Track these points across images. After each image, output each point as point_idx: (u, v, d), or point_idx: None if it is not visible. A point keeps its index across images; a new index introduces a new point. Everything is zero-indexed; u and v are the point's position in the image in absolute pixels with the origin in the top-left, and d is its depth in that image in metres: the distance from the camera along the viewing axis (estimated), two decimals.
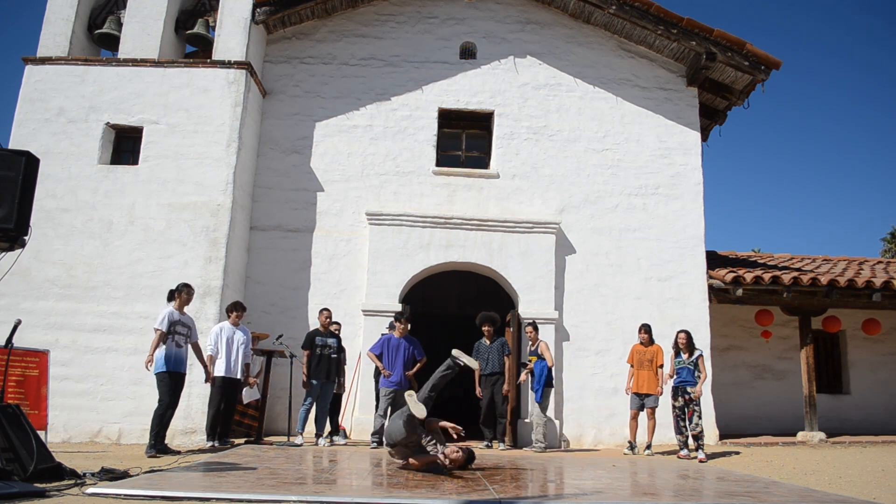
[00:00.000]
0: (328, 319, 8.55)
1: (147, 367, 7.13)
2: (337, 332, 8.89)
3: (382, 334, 8.87)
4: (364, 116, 10.50)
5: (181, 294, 7.37)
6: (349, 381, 9.24)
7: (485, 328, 8.94)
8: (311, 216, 10.15)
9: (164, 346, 7.10)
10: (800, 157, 51.52)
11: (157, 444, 6.93)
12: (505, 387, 8.81)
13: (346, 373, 9.06)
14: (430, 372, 8.98)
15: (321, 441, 8.35)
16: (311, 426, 8.54)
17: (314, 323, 9.35)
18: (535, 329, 8.97)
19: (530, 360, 8.77)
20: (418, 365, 8.42)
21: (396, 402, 8.31)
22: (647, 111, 10.66)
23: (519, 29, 10.88)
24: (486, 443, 8.83)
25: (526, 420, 9.20)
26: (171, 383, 7.10)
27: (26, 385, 7.12)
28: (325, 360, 8.33)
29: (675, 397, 8.38)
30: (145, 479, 4.82)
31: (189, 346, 7.47)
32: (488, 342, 8.94)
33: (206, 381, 7.79)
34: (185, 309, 7.48)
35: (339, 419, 8.94)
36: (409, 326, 8.67)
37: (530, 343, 8.89)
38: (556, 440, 9.35)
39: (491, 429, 8.89)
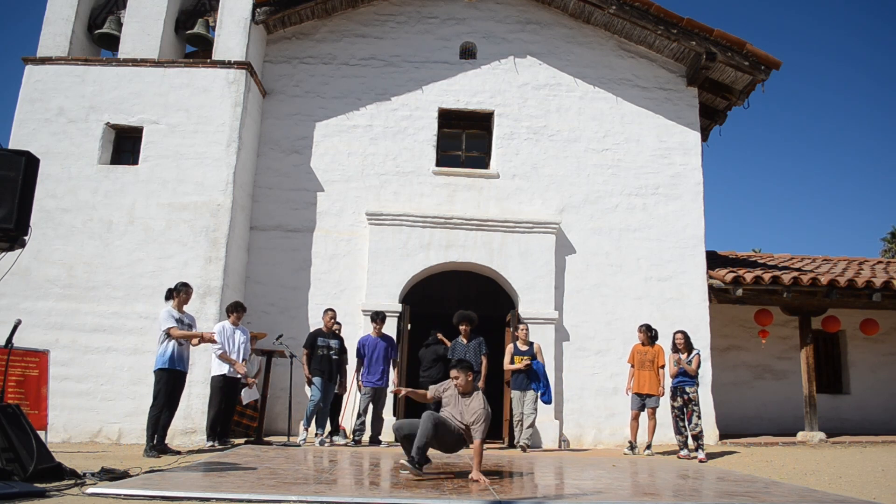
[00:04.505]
0: (332, 320, 8.57)
1: (198, 342, 7.22)
2: (338, 332, 8.92)
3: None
4: (364, 116, 10.50)
5: (180, 293, 7.32)
6: (349, 382, 9.23)
7: (462, 327, 8.93)
8: (311, 216, 10.14)
9: (168, 345, 7.02)
10: (800, 157, 51.57)
11: (157, 445, 6.89)
12: (480, 384, 8.76)
13: (347, 373, 9.08)
14: (416, 370, 9.08)
15: (319, 441, 8.36)
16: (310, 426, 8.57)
17: (314, 323, 9.36)
18: (528, 330, 9.01)
19: (524, 360, 8.72)
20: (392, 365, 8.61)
21: (377, 401, 8.59)
22: (647, 111, 10.66)
23: (519, 29, 10.88)
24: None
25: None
26: (169, 382, 7.02)
27: (26, 385, 7.11)
28: (326, 360, 8.35)
29: (674, 397, 8.38)
30: (145, 479, 4.82)
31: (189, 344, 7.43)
32: (465, 341, 8.94)
33: (199, 342, 7.38)
34: (185, 308, 7.45)
35: (339, 419, 8.94)
36: (406, 325, 8.78)
37: (519, 342, 8.86)
38: (553, 440, 9.33)
39: None
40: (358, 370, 8.64)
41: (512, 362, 8.81)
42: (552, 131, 10.54)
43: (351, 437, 8.49)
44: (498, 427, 9.74)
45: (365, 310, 9.60)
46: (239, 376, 7.94)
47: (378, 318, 8.66)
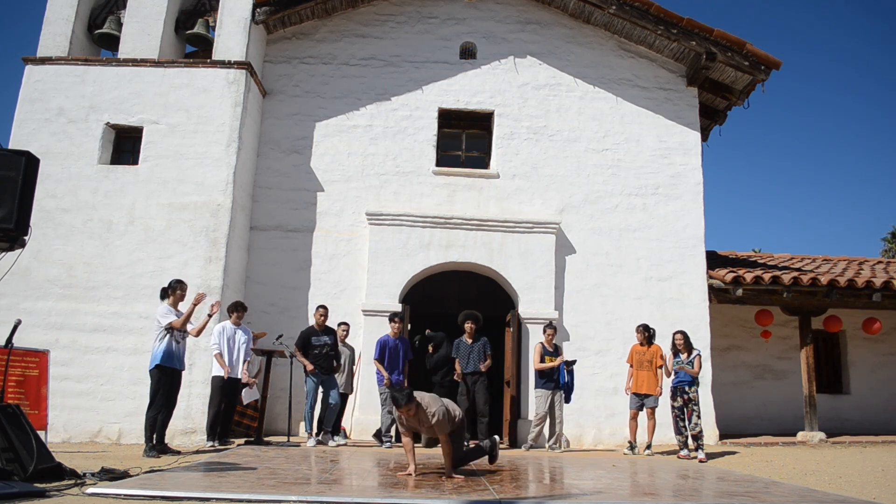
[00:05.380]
0: (324, 318, 8.56)
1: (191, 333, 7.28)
2: (345, 332, 8.90)
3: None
4: (364, 116, 10.50)
5: (175, 291, 7.26)
6: (355, 380, 9.22)
7: (467, 325, 8.92)
8: (311, 216, 10.14)
9: (164, 342, 6.96)
10: (800, 157, 51.56)
11: (157, 445, 6.87)
12: None
13: (354, 373, 9.07)
14: (418, 369, 9.09)
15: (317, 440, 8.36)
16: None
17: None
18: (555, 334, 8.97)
19: (557, 359, 8.72)
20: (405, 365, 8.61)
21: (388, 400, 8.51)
22: (647, 111, 10.66)
23: (519, 29, 10.88)
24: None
25: (530, 422, 9.18)
26: (164, 381, 6.96)
27: (26, 385, 7.11)
28: (322, 358, 8.35)
29: (673, 398, 8.38)
30: (145, 479, 4.82)
31: (187, 340, 7.36)
32: (469, 341, 8.92)
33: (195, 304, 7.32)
34: (180, 306, 7.34)
35: (340, 419, 8.93)
36: (406, 326, 8.76)
37: (546, 345, 8.79)
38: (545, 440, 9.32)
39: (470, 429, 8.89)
40: (382, 363, 8.55)
41: (542, 361, 8.71)
42: (552, 131, 10.54)
43: (383, 438, 8.40)
44: (497, 428, 9.74)
45: (365, 310, 9.61)
46: (239, 377, 7.94)
47: (396, 318, 8.63)
